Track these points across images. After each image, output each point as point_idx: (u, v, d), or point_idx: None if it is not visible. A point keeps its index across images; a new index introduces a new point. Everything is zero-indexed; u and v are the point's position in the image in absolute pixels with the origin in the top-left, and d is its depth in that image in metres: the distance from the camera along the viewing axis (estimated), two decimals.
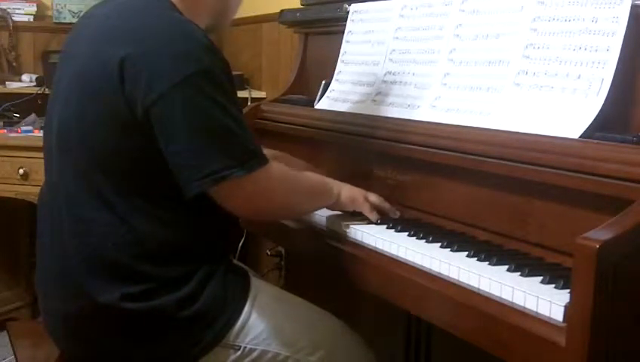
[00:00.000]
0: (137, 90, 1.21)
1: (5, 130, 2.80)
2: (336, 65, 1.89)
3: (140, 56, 1.22)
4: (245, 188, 1.26)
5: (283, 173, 1.37)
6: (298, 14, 2.13)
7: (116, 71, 1.22)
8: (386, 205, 1.50)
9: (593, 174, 1.13)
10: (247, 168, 1.24)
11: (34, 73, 3.14)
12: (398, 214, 1.49)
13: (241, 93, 2.80)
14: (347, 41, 1.88)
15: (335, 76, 1.89)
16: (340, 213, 1.52)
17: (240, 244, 2.45)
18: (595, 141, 1.18)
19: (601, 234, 0.97)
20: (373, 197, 1.49)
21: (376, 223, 1.45)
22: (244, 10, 2.87)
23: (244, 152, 1.25)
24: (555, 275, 1.10)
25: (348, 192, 1.47)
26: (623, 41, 1.21)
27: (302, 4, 2.15)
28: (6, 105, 3.00)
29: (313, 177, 1.47)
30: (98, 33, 1.31)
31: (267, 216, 1.45)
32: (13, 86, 3.05)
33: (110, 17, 1.32)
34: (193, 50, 1.23)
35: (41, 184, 1.45)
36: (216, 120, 1.23)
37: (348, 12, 1.89)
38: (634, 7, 1.21)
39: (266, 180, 1.29)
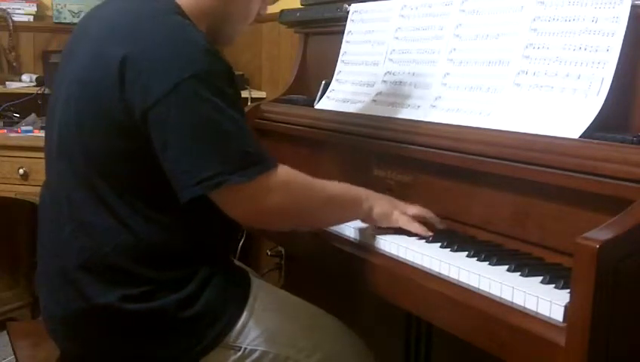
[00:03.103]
0: (135, 94, 1.21)
1: (5, 130, 2.81)
2: (336, 65, 1.89)
3: (139, 59, 1.21)
4: (243, 196, 1.22)
5: (293, 181, 1.29)
6: (298, 14, 2.12)
7: (116, 72, 1.21)
8: (429, 216, 1.40)
9: (593, 174, 1.13)
10: (245, 175, 1.19)
11: (34, 73, 3.14)
12: (444, 225, 1.40)
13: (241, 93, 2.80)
14: (347, 41, 1.88)
15: (335, 76, 1.89)
16: None
17: (240, 244, 2.45)
18: (595, 141, 1.18)
19: (601, 234, 0.97)
20: (413, 210, 1.40)
21: (427, 240, 1.34)
22: None
23: (243, 158, 1.21)
24: (555, 275, 1.10)
25: (380, 208, 1.39)
26: (623, 41, 1.21)
27: (302, 4, 2.15)
28: (6, 105, 3.01)
29: (337, 187, 1.37)
30: (100, 35, 1.30)
31: (270, 225, 1.36)
32: (13, 86, 3.06)
33: (111, 19, 1.31)
34: (191, 53, 1.21)
35: (41, 184, 1.44)
36: (213, 124, 1.19)
37: (348, 12, 1.89)
38: (634, 7, 1.21)
39: (267, 187, 1.24)
